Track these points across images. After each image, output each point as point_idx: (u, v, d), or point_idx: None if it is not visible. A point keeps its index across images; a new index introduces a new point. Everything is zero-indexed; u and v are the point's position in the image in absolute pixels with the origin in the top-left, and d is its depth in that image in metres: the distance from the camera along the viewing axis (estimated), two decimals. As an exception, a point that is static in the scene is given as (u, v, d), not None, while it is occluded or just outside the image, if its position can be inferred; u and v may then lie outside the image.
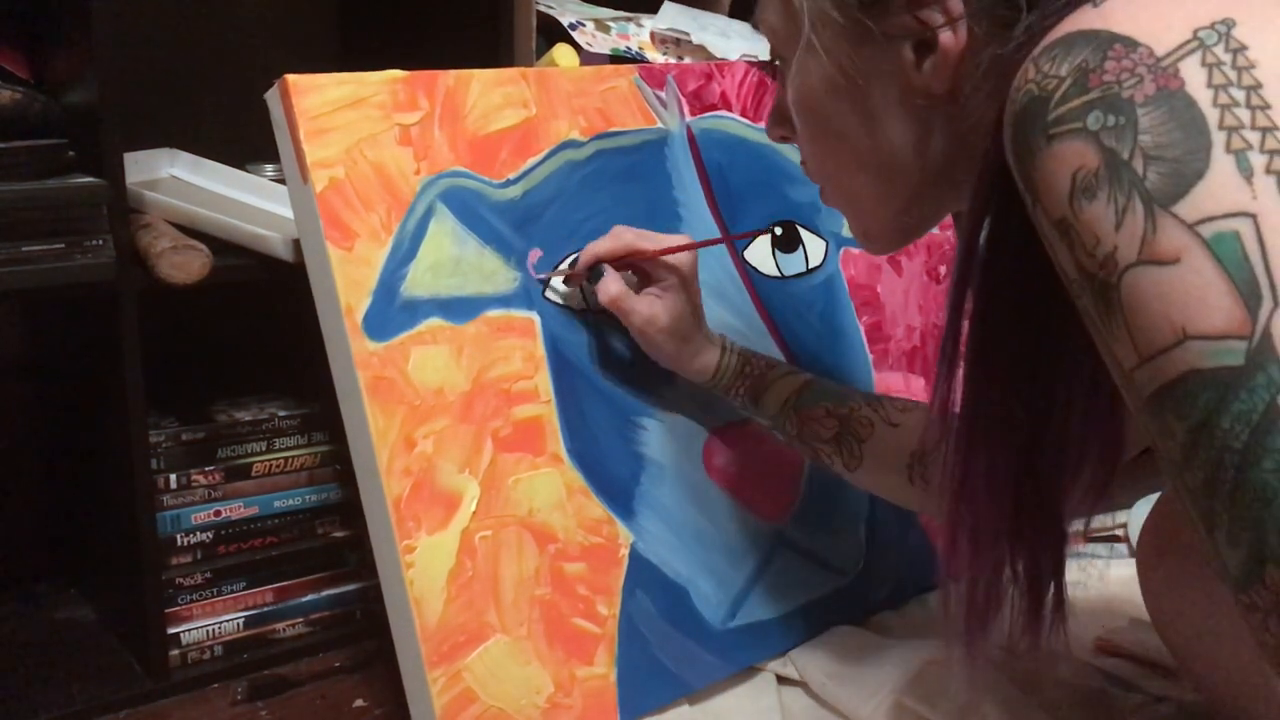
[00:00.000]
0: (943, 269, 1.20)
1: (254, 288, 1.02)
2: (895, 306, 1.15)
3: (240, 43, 1.25)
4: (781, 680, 0.97)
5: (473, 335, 0.88)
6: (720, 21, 1.21)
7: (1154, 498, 1.32)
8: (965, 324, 0.64)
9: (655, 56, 1.15)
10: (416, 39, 1.24)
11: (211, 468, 1.03)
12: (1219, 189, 0.47)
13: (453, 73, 0.91)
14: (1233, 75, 0.49)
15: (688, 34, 1.15)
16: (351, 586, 1.10)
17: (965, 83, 0.63)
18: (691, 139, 1.04)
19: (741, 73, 1.10)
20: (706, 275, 1.02)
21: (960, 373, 0.66)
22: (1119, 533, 1.27)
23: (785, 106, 0.75)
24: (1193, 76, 0.49)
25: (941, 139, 0.68)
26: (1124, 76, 0.50)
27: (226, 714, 0.97)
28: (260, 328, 1.16)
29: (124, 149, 0.93)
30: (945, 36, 0.63)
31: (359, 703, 0.98)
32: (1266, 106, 0.48)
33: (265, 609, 1.05)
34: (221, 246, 0.99)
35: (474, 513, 0.85)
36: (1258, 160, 0.47)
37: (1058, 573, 0.69)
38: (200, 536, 1.02)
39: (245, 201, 1.11)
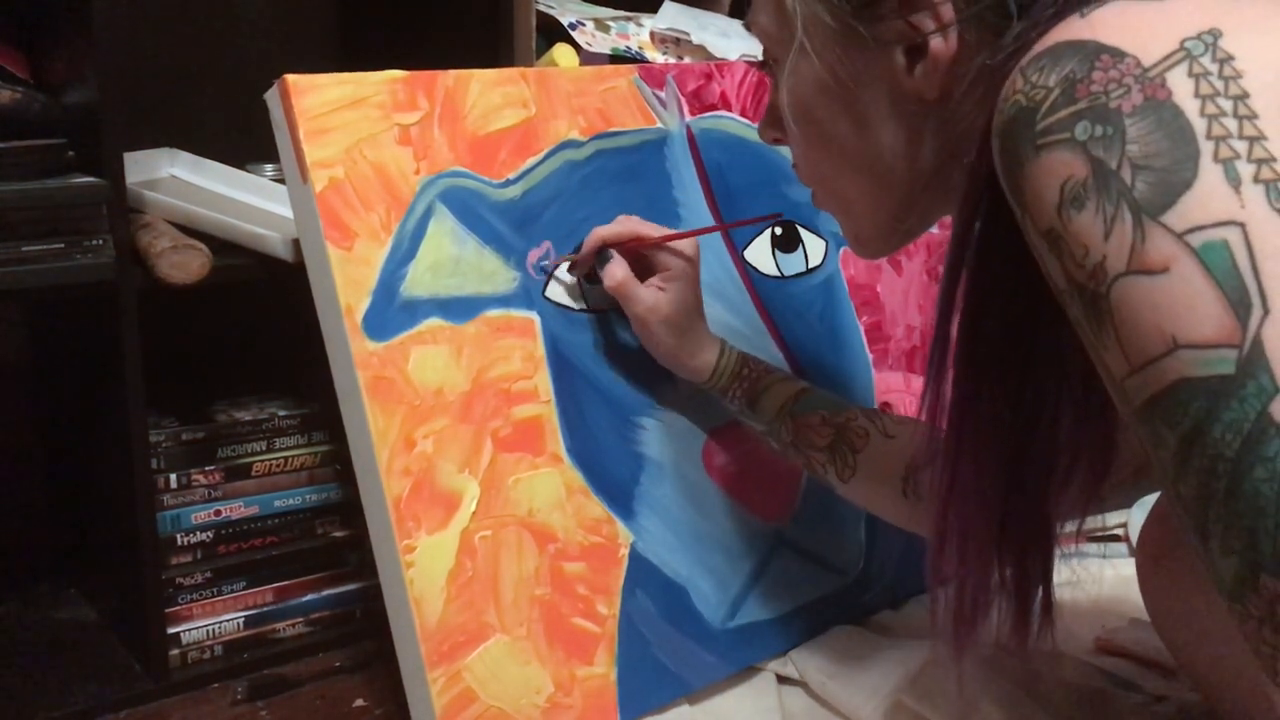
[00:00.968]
0: (942, 269, 1.20)
1: (254, 288, 1.02)
2: (895, 306, 1.15)
3: (240, 43, 1.25)
4: (781, 680, 0.97)
5: (472, 335, 0.88)
6: (720, 21, 1.21)
7: (1154, 498, 1.32)
8: (954, 331, 0.64)
9: (655, 56, 1.15)
10: (416, 39, 1.24)
11: (211, 468, 1.03)
12: (1207, 198, 0.48)
13: (452, 73, 0.91)
14: (1220, 85, 0.49)
15: (687, 34, 1.15)
16: (351, 586, 1.10)
17: (956, 88, 0.63)
18: (691, 139, 1.04)
19: (741, 73, 1.10)
20: (706, 275, 1.02)
21: (949, 378, 0.65)
22: (1119, 533, 1.27)
23: (778, 109, 0.75)
24: (1180, 86, 0.49)
25: (933, 143, 0.68)
26: (1111, 87, 0.50)
27: (226, 714, 0.97)
28: (260, 328, 1.16)
29: (124, 149, 0.93)
30: (936, 42, 0.63)
31: (359, 703, 0.98)
32: (1254, 116, 0.48)
33: (265, 609, 1.05)
34: (221, 246, 0.99)
35: (474, 513, 0.85)
36: (1245, 169, 0.47)
37: (1046, 577, 0.69)
38: (200, 536, 1.02)
39: (245, 201, 1.11)
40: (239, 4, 1.25)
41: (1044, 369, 0.62)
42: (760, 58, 1.12)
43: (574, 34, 1.17)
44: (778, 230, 1.08)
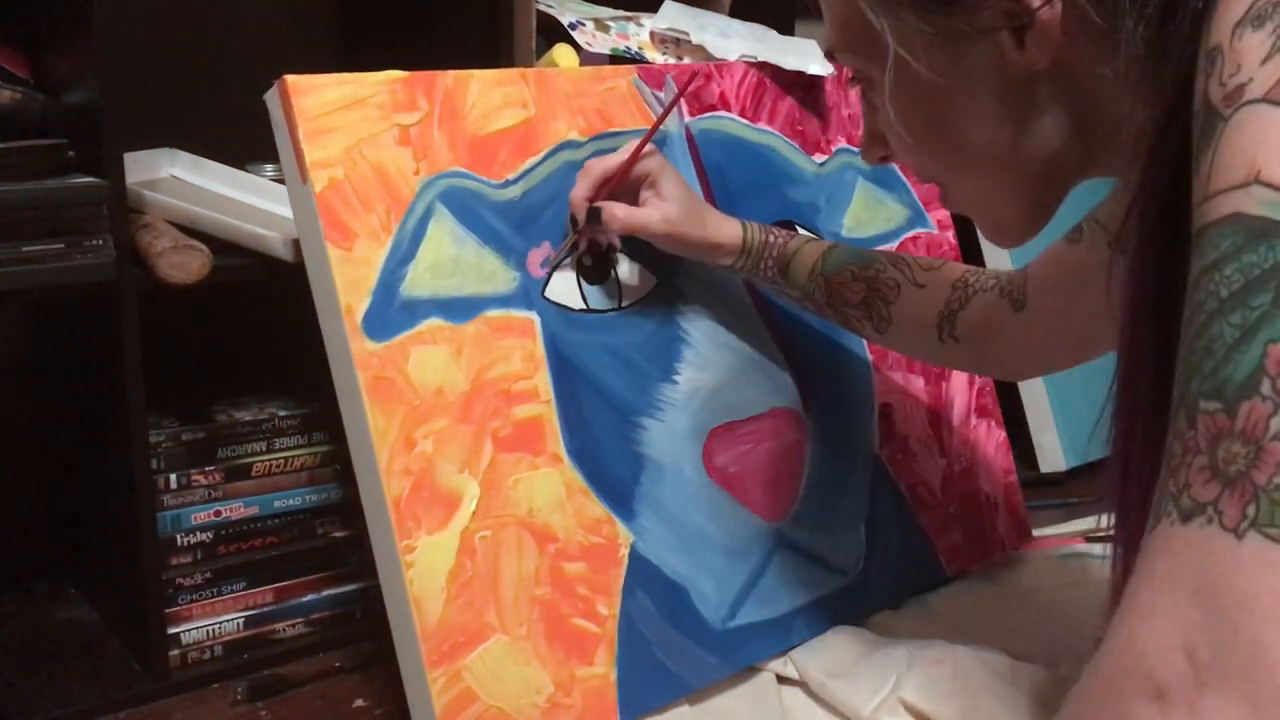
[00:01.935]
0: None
1: (254, 288, 1.02)
2: (895, 306, 1.15)
3: (240, 43, 1.25)
4: (781, 680, 0.97)
5: (472, 335, 0.88)
6: (720, 21, 1.20)
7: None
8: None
9: (655, 56, 1.15)
10: (416, 39, 1.24)
11: (211, 468, 1.03)
12: None
13: (452, 73, 0.91)
14: None
15: (687, 34, 1.14)
16: (351, 586, 1.10)
17: (1065, 50, 0.62)
18: (690, 139, 1.04)
19: (741, 73, 1.10)
20: (706, 275, 1.02)
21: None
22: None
23: (876, 128, 0.74)
24: None
25: (1052, 111, 0.66)
26: None
27: (226, 714, 0.97)
28: (260, 328, 1.16)
29: (124, 149, 0.93)
30: (1044, 13, 0.62)
31: (359, 703, 0.98)
32: None
33: (265, 609, 1.05)
34: (221, 246, 0.99)
35: (474, 513, 0.85)
36: None
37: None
38: (200, 536, 1.02)
39: (245, 201, 1.11)
40: (239, 4, 1.25)
41: None
42: (764, 57, 1.12)
43: (574, 34, 1.17)
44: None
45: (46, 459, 1.18)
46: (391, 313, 0.85)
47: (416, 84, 0.89)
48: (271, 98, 0.86)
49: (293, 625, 1.07)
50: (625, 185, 0.95)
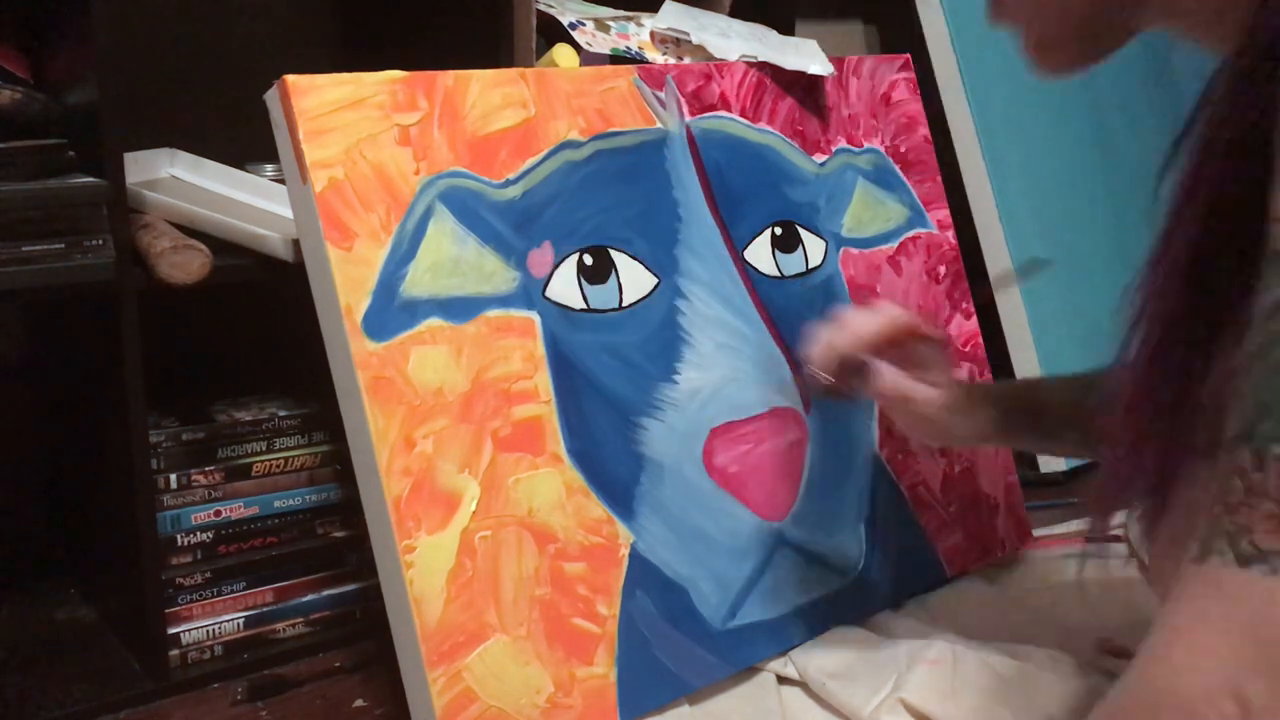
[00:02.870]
0: (942, 269, 1.20)
1: (254, 288, 1.02)
2: (895, 306, 1.15)
3: (240, 43, 1.25)
4: (781, 680, 0.97)
5: (472, 335, 0.88)
6: (720, 21, 1.20)
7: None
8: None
9: (655, 56, 1.15)
10: (416, 39, 1.24)
11: (211, 468, 1.03)
12: None
13: (452, 73, 0.91)
14: None
15: (688, 34, 1.14)
16: (351, 586, 1.10)
17: None
18: (691, 139, 1.04)
19: (741, 73, 1.10)
20: (706, 275, 1.02)
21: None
22: (1119, 533, 1.27)
23: None
24: None
25: None
26: None
27: (226, 714, 0.97)
28: (260, 328, 1.16)
29: (124, 149, 0.93)
30: None
31: (359, 703, 0.98)
32: None
33: (265, 609, 1.05)
34: (221, 246, 0.99)
35: (474, 513, 0.85)
36: None
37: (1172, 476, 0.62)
38: (200, 536, 1.02)
39: (245, 201, 1.11)
40: (239, 4, 1.25)
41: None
42: (764, 58, 1.12)
43: (574, 34, 1.16)
44: (777, 230, 1.08)
45: (46, 459, 1.18)
46: (391, 313, 0.85)
47: (416, 84, 0.89)
48: (271, 98, 0.86)
49: (293, 625, 1.07)
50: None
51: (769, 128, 1.10)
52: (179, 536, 1.01)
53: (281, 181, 1.04)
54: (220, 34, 1.24)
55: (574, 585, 0.89)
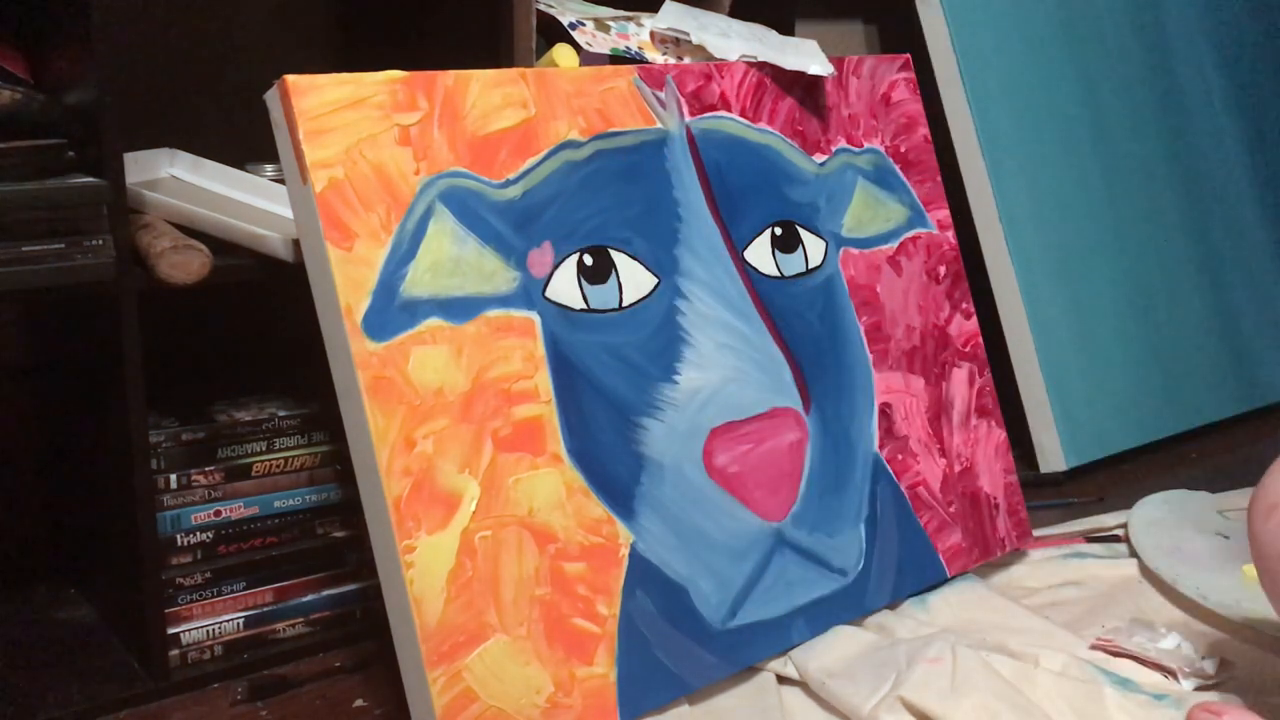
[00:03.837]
0: (942, 269, 1.20)
1: (254, 288, 1.02)
2: (895, 306, 1.15)
3: (240, 43, 1.25)
4: (781, 680, 0.97)
5: (472, 335, 0.88)
6: (720, 21, 1.20)
7: (1153, 497, 1.33)
8: None
9: (655, 56, 1.15)
10: (416, 39, 1.24)
11: (211, 468, 1.03)
12: None
13: (452, 73, 0.91)
14: None
15: (688, 34, 1.14)
16: (351, 586, 1.10)
17: None
18: (691, 139, 1.04)
19: (741, 73, 1.10)
20: (707, 275, 1.02)
21: None
22: (1119, 533, 1.27)
23: None
24: None
25: None
26: None
27: (226, 714, 0.97)
28: (260, 328, 1.16)
29: (124, 149, 0.93)
30: None
31: (359, 703, 0.98)
32: None
33: (265, 609, 1.05)
34: (221, 246, 0.99)
35: (474, 512, 0.85)
36: None
37: None
38: (200, 536, 1.02)
39: (245, 201, 1.11)
40: (239, 4, 1.25)
41: None
42: (763, 58, 1.12)
43: (574, 34, 1.16)
44: (777, 230, 1.08)
45: (46, 459, 1.18)
46: (391, 313, 0.85)
47: (416, 84, 0.89)
48: (272, 98, 0.86)
49: (293, 625, 1.07)
50: None
51: (769, 128, 1.10)
52: (179, 536, 1.01)
53: (281, 181, 1.04)
54: (220, 34, 1.24)
55: (574, 585, 0.89)
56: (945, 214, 1.22)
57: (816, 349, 1.08)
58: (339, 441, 1.03)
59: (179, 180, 1.15)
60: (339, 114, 0.85)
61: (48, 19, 1.00)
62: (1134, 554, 1.21)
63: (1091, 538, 1.27)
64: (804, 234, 1.10)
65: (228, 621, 1.03)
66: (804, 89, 1.14)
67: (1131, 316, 1.59)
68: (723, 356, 1.01)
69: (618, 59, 1.14)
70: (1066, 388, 1.48)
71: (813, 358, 1.07)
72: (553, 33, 1.18)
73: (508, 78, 0.95)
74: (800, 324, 1.08)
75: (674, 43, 1.16)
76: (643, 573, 0.92)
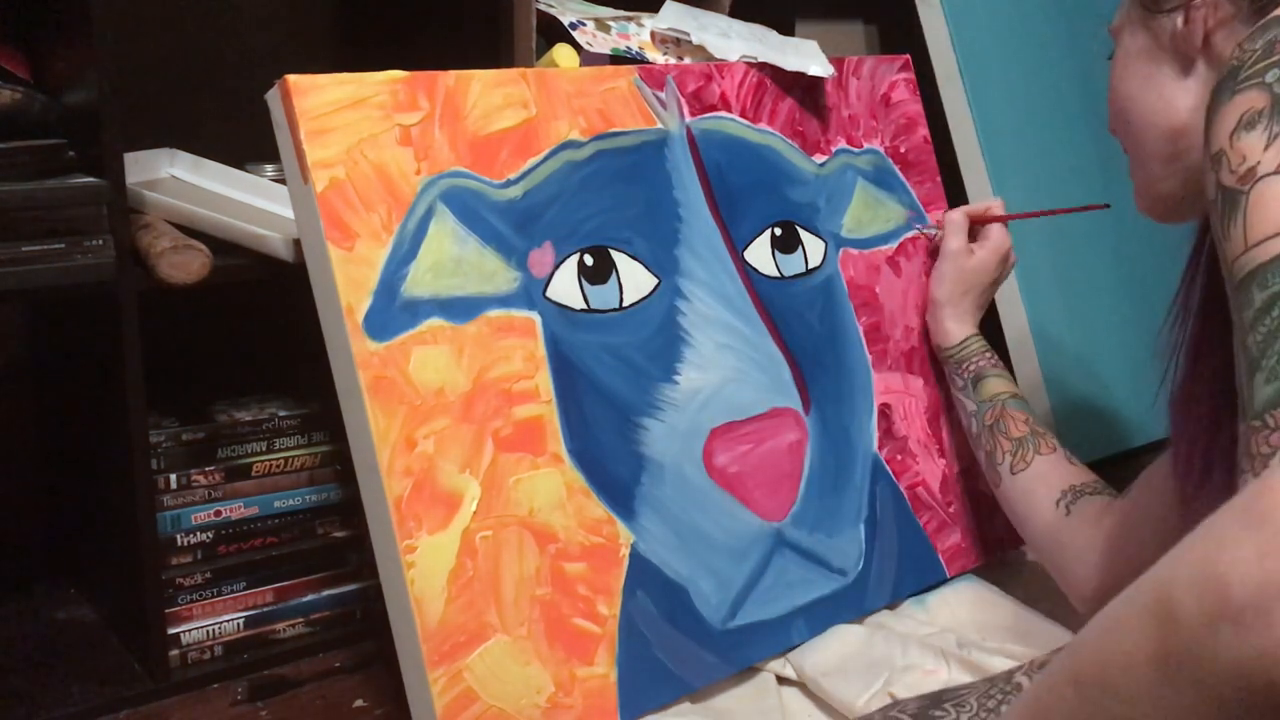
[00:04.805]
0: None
1: (254, 288, 1.02)
2: (894, 307, 1.16)
3: (240, 43, 1.25)
4: (781, 680, 0.97)
5: (473, 335, 0.88)
6: (721, 21, 1.20)
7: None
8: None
9: (655, 56, 1.15)
10: (416, 39, 1.24)
11: (211, 468, 1.03)
12: None
13: (453, 73, 0.91)
14: None
15: (688, 34, 1.14)
16: (351, 586, 1.10)
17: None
18: (691, 139, 1.04)
19: (741, 73, 1.10)
20: (707, 275, 1.02)
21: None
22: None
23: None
24: None
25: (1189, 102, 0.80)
26: None
27: (226, 714, 0.97)
28: (260, 328, 1.16)
29: (124, 149, 0.93)
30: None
31: (359, 703, 0.98)
32: None
33: (265, 609, 1.05)
34: (221, 246, 0.99)
35: (474, 512, 0.85)
36: None
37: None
38: (200, 536, 1.02)
39: (245, 201, 1.11)
40: (239, 4, 1.25)
41: None
42: (764, 59, 1.13)
43: (574, 34, 1.16)
44: (777, 231, 1.08)
45: (46, 459, 1.18)
46: (392, 313, 0.85)
47: (417, 84, 0.89)
48: (273, 97, 0.86)
49: (293, 625, 1.07)
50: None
51: (769, 128, 1.10)
52: (179, 537, 1.01)
53: (282, 181, 1.04)
54: (220, 34, 1.24)
55: (574, 585, 0.89)
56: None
57: (816, 349, 1.08)
58: (339, 441, 1.03)
59: (179, 180, 1.15)
60: (340, 114, 0.85)
61: (48, 19, 1.00)
62: (1133, 554, 1.21)
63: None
64: (804, 234, 1.10)
65: (228, 621, 1.03)
66: (804, 89, 1.14)
67: (1132, 317, 1.59)
68: (723, 357, 1.01)
69: (618, 59, 1.14)
70: (1066, 388, 1.48)
71: (812, 358, 1.07)
72: (553, 33, 1.18)
73: (509, 78, 0.95)
74: (800, 324, 1.08)
75: (674, 43, 1.16)
76: (643, 573, 0.92)
